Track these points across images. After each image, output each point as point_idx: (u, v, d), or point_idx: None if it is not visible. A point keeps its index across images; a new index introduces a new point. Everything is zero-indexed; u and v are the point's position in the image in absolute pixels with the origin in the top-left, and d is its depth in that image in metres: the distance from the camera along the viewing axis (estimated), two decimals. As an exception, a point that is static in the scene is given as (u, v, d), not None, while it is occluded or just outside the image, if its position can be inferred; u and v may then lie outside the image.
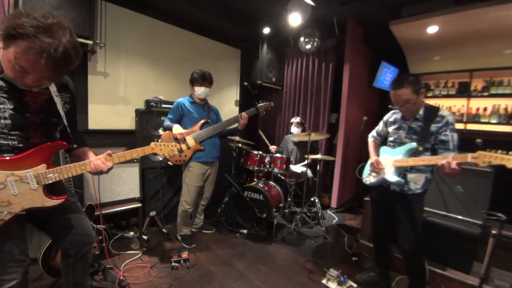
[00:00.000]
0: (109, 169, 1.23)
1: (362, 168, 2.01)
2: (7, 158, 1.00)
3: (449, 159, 1.30)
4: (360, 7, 2.98)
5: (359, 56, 3.59)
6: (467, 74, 3.38)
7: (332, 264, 2.17)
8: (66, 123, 1.18)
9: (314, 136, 2.83)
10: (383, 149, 1.86)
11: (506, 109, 3.20)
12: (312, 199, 3.16)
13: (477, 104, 3.40)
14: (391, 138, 1.81)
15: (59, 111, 1.15)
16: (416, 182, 1.65)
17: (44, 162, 1.08)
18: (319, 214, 3.07)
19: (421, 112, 1.63)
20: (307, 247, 2.56)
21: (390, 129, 1.82)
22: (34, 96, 1.06)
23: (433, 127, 1.57)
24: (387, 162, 1.71)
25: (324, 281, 1.99)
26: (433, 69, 3.58)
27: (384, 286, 1.97)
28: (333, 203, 3.58)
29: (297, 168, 3.24)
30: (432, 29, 2.94)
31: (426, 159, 1.49)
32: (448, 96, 3.58)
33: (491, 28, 2.70)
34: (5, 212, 1.00)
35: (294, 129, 3.35)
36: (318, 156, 2.99)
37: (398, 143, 1.74)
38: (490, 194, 1.92)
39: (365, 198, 2.49)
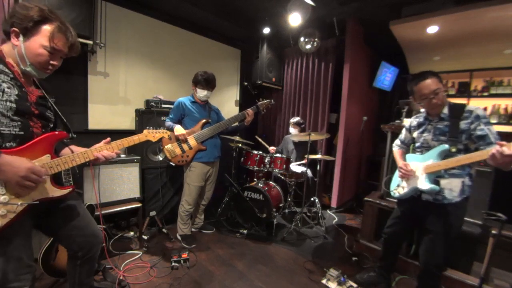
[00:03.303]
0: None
1: (389, 180, 1.85)
2: (11, 150, 1.00)
3: (497, 148, 1.15)
4: (360, 7, 2.98)
5: (359, 56, 3.59)
6: (467, 74, 3.39)
7: (332, 264, 2.17)
8: (62, 116, 1.25)
9: (314, 136, 2.83)
10: (409, 156, 1.71)
11: (506, 109, 3.20)
12: (312, 199, 3.16)
13: (477, 104, 3.37)
14: (417, 144, 1.68)
15: (52, 106, 1.20)
16: (452, 189, 1.47)
17: (48, 152, 1.09)
18: (319, 214, 3.07)
19: (445, 110, 1.51)
20: (307, 247, 2.56)
21: (415, 134, 1.70)
22: (30, 92, 1.10)
23: (462, 124, 1.43)
24: (417, 169, 1.57)
25: (324, 281, 1.99)
26: (433, 69, 3.55)
27: (384, 286, 1.96)
28: (333, 203, 3.58)
29: (297, 168, 3.24)
30: (432, 29, 2.94)
31: (463, 158, 1.32)
32: (448, 96, 3.56)
33: (491, 28, 2.70)
34: (18, 204, 1.00)
35: (291, 130, 3.35)
36: (318, 156, 2.99)
37: (426, 147, 1.61)
38: (490, 194, 1.92)
39: (365, 198, 2.49)
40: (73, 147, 1.27)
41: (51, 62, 1.08)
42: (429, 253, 1.58)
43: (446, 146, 1.46)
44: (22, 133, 1.03)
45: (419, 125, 1.68)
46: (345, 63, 3.39)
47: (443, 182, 1.49)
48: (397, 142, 1.89)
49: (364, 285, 1.97)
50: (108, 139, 1.28)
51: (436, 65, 3.55)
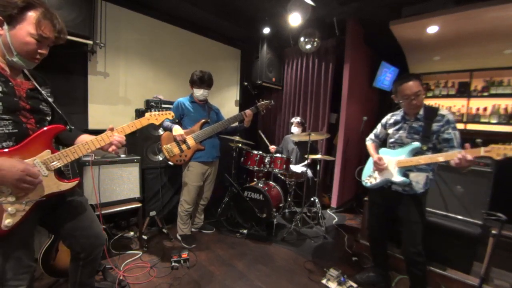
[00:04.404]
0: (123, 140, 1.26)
1: (361, 170, 2.00)
2: (7, 150, 0.98)
3: (462, 153, 1.31)
4: (360, 7, 2.98)
5: (359, 56, 3.59)
6: (467, 74, 3.38)
7: (332, 264, 2.17)
8: (57, 108, 1.21)
9: (314, 136, 2.83)
10: (382, 150, 1.86)
11: (506, 109, 3.20)
12: (312, 199, 3.16)
13: (477, 104, 3.40)
14: (391, 140, 1.82)
15: (46, 98, 1.16)
16: (418, 181, 1.65)
17: (47, 147, 1.07)
18: (319, 214, 3.07)
19: (421, 112, 1.67)
20: (307, 247, 2.56)
21: (390, 130, 1.84)
22: (18, 85, 1.06)
23: (434, 126, 1.60)
24: (390, 162, 1.71)
25: (324, 281, 1.99)
26: (433, 69, 3.58)
27: (384, 286, 1.97)
28: (333, 203, 3.58)
29: (297, 168, 3.24)
30: (432, 29, 2.94)
31: (433, 157, 1.48)
32: (448, 96, 3.58)
33: (491, 28, 2.70)
34: (24, 202, 0.99)
35: (295, 129, 3.35)
36: (318, 156, 2.99)
37: (399, 143, 1.75)
38: (490, 194, 1.92)
39: (365, 198, 2.49)
40: (85, 136, 1.24)
41: (39, 51, 1.03)
42: (407, 243, 1.69)
43: (418, 144, 1.61)
44: (16, 130, 1.01)
45: (396, 123, 1.82)
46: (345, 63, 3.39)
47: (412, 175, 1.66)
48: (371, 136, 2.03)
49: (364, 285, 1.98)
50: (111, 126, 1.25)
51: (436, 65, 3.55)
